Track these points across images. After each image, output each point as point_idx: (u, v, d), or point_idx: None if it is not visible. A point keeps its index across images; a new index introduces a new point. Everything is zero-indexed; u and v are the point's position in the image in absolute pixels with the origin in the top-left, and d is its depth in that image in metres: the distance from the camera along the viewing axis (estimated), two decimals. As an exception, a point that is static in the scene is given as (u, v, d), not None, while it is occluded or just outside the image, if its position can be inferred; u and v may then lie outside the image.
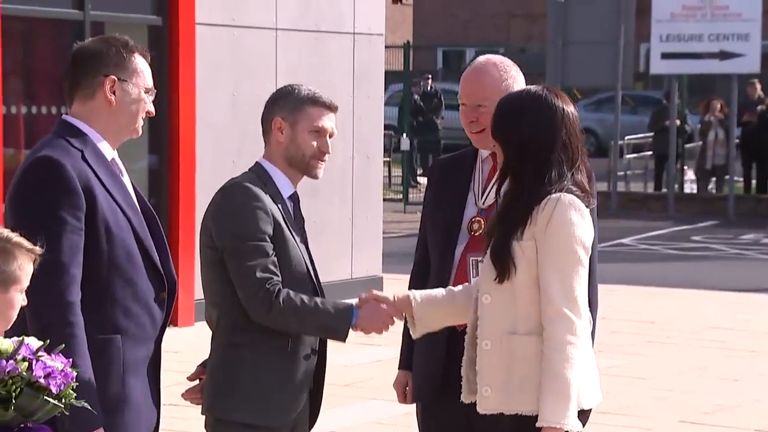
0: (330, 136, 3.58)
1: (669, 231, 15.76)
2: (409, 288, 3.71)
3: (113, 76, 3.16)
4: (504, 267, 3.16)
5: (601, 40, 16.68)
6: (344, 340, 3.49)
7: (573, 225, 3.14)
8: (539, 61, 19.73)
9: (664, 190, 18.26)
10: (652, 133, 19.13)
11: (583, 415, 3.24)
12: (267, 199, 3.47)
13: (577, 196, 3.18)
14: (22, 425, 2.55)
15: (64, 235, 3.02)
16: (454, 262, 3.58)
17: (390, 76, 13.47)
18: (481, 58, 3.69)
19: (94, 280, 3.08)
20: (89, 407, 2.62)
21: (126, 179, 3.24)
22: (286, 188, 3.57)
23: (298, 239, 3.51)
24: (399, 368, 3.83)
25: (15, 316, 2.75)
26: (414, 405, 3.79)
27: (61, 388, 2.53)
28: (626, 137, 19.29)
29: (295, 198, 3.61)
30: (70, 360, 2.59)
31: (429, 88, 20.55)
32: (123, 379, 3.10)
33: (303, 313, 3.41)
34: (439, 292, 3.44)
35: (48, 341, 2.60)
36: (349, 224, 9.98)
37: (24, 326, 2.91)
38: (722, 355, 8.29)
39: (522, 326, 3.17)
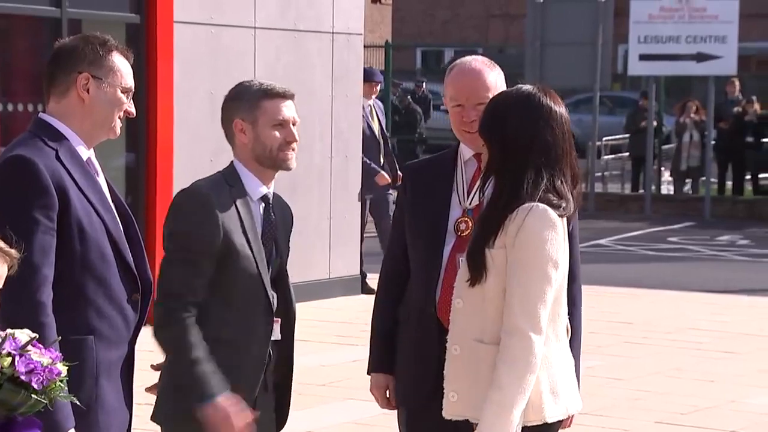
0: (293, 125, 3.53)
1: (646, 232, 15.83)
2: (384, 294, 3.68)
3: (86, 73, 3.13)
4: (477, 270, 3.12)
5: (579, 41, 16.73)
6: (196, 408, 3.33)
7: (542, 240, 3.07)
8: (517, 62, 19.77)
9: (642, 191, 18.35)
10: (629, 135, 19.22)
11: (550, 428, 3.21)
12: (223, 207, 3.42)
13: (553, 204, 3.10)
14: (10, 418, 2.54)
15: (35, 234, 3.00)
16: (442, 262, 3.53)
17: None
18: (468, 59, 3.67)
19: (66, 280, 3.06)
20: (77, 402, 2.60)
21: (102, 179, 3.21)
22: (255, 190, 3.52)
23: (255, 248, 3.45)
24: (373, 371, 3.73)
25: None
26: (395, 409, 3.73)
27: (44, 384, 2.52)
28: (604, 138, 19.37)
29: (267, 199, 3.55)
30: (60, 355, 2.57)
31: (421, 93, 20.56)
32: (96, 381, 3.08)
33: (180, 352, 3.34)
34: None
35: (37, 335, 2.58)
36: (327, 224, 9.97)
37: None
38: (698, 356, 8.32)
39: (489, 335, 3.12)
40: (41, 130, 3.13)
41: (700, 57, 16.77)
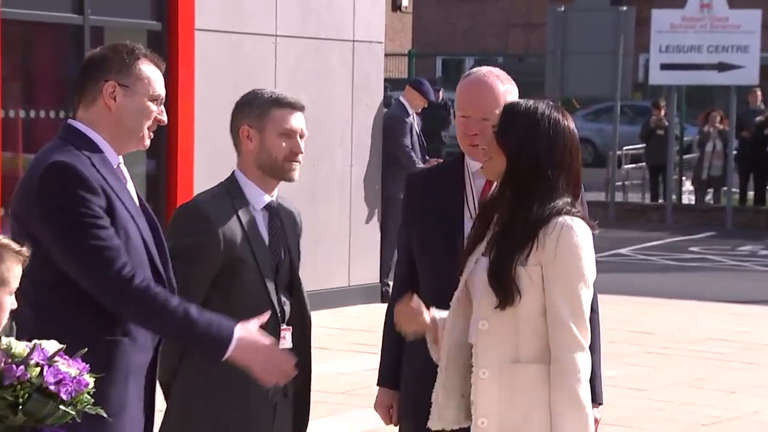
0: (301, 137, 3.50)
1: (667, 242, 15.76)
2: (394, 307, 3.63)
3: (113, 82, 3.12)
4: (507, 293, 3.02)
5: (601, 50, 16.69)
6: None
7: (580, 249, 3.04)
8: (538, 71, 19.73)
9: (662, 200, 18.27)
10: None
11: None
12: (223, 219, 3.40)
13: (582, 217, 3.09)
14: (37, 430, 2.53)
15: (100, 228, 3.00)
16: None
17: (390, 84, 13.46)
18: (483, 70, 3.62)
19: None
20: (104, 414, 2.60)
21: (130, 186, 3.21)
22: (258, 199, 3.51)
23: (260, 258, 3.43)
24: (381, 385, 3.67)
25: (4, 319, 2.73)
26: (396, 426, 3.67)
27: (72, 395, 2.51)
28: (624, 147, 19.30)
29: (270, 208, 3.53)
30: (87, 366, 2.56)
31: (440, 99, 20.52)
32: (126, 383, 3.08)
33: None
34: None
35: (65, 345, 2.58)
36: (347, 232, 9.96)
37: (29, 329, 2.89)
38: (720, 366, 8.27)
39: (525, 354, 3.05)
40: (72, 137, 3.13)
41: (722, 66, 16.70)
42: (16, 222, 3.08)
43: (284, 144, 3.48)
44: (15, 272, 2.72)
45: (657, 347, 8.87)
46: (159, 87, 3.18)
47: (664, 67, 16.93)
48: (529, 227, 3.04)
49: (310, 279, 3.66)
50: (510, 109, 3.19)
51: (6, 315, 2.73)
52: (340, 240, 9.86)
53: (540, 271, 3.03)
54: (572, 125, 3.16)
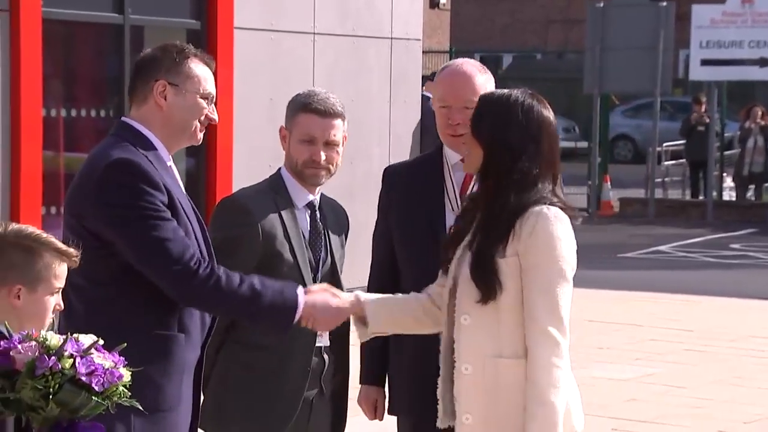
0: (327, 144, 3.46)
1: (707, 238, 15.63)
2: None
3: (163, 81, 3.15)
4: (488, 287, 2.96)
5: (640, 46, 16.59)
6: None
7: (557, 240, 2.96)
8: (576, 67, 19.64)
9: (702, 197, 18.13)
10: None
11: None
12: (263, 214, 3.41)
13: (560, 206, 3.02)
14: (73, 421, 2.56)
15: (165, 221, 3.03)
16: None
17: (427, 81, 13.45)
18: (459, 61, 3.63)
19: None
20: (139, 407, 2.63)
21: (180, 184, 3.24)
22: (301, 197, 3.51)
23: (299, 255, 3.44)
24: (365, 383, 3.65)
25: (49, 319, 2.75)
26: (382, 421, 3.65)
27: (105, 386, 2.54)
28: (664, 144, 19.17)
29: (312, 206, 3.53)
30: (123, 359, 2.59)
31: None
32: (181, 378, 3.11)
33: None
34: (389, 296, 3.27)
35: (99, 339, 2.61)
36: (385, 229, 9.97)
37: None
38: (761, 364, 8.20)
39: (507, 348, 2.98)
40: (126, 134, 3.16)
41: (764, 62, 16.54)
42: (73, 219, 3.10)
43: (305, 150, 3.48)
44: (57, 272, 2.73)
45: (697, 345, 8.80)
46: (209, 85, 3.20)
47: (705, 62, 16.80)
48: (506, 218, 2.98)
49: (348, 277, 3.67)
50: (483, 99, 3.13)
51: (49, 316, 2.76)
52: (379, 237, 9.87)
53: (517, 262, 2.96)
54: (548, 112, 3.08)
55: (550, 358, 2.94)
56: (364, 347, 3.62)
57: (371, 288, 3.62)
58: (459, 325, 3.03)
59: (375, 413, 3.69)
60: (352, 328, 3.34)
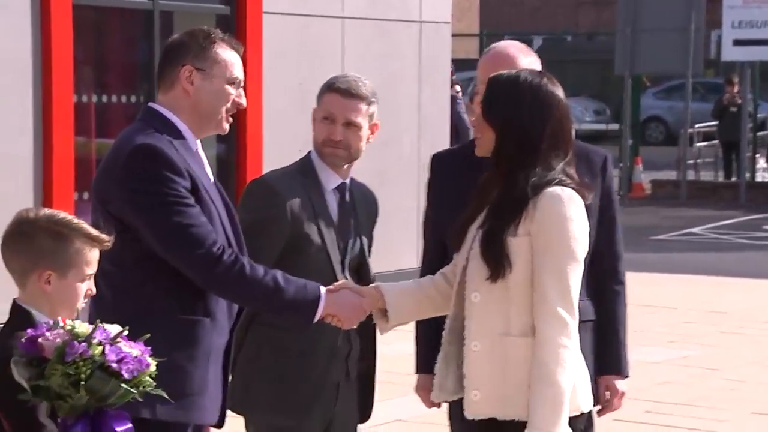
0: (348, 125, 3.44)
1: (740, 220, 15.52)
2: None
3: (190, 65, 3.14)
4: (498, 265, 2.96)
5: (672, 27, 16.45)
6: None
7: (569, 220, 2.96)
8: (607, 48, 19.51)
9: (735, 178, 17.99)
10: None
11: (583, 418, 3.13)
12: (292, 196, 3.40)
13: (573, 189, 3.01)
14: (101, 409, 2.57)
15: (188, 207, 3.03)
16: None
17: (457, 65, 13.41)
18: (502, 44, 3.57)
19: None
20: (165, 395, 2.63)
21: (208, 169, 3.23)
22: (330, 180, 3.51)
23: (327, 238, 3.44)
24: (421, 372, 3.63)
25: (79, 304, 2.76)
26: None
27: (134, 374, 2.54)
28: (696, 125, 19.03)
29: (341, 190, 3.52)
30: (148, 349, 2.59)
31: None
32: (207, 363, 3.11)
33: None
34: (409, 283, 3.27)
35: (128, 327, 2.61)
36: (415, 214, 9.95)
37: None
38: (796, 346, 8.14)
39: (516, 327, 2.99)
40: (153, 120, 3.15)
41: (797, 41, 16.38)
42: (100, 204, 3.11)
43: (324, 128, 3.47)
44: (88, 257, 2.73)
45: (731, 327, 8.75)
46: (236, 70, 3.18)
47: (737, 43, 16.64)
48: (520, 198, 2.98)
49: (379, 260, 3.66)
50: (493, 81, 3.09)
51: (80, 301, 2.76)
52: (408, 222, 9.85)
53: (528, 242, 2.97)
54: (559, 90, 3.06)
55: (558, 338, 2.95)
56: (418, 336, 3.63)
57: (423, 275, 3.59)
58: (470, 303, 3.04)
59: (431, 401, 3.65)
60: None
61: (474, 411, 3.04)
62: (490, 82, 3.10)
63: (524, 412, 2.97)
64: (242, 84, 3.21)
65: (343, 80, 3.49)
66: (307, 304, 3.11)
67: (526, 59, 3.50)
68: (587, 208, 3.06)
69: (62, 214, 2.76)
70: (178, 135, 3.13)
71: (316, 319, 3.14)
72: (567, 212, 2.97)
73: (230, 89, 3.17)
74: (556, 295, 2.95)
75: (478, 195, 3.12)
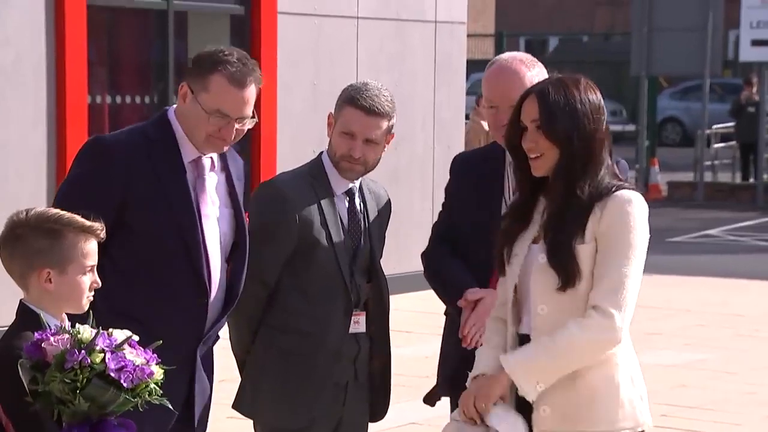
0: (367, 141, 3.43)
1: (758, 222, 15.43)
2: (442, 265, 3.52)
3: (187, 85, 3.25)
4: (569, 273, 2.93)
5: (689, 27, 16.38)
6: None
7: (640, 226, 2.97)
8: (624, 49, 19.45)
9: (753, 180, 17.90)
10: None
11: None
12: (301, 200, 3.40)
13: (637, 192, 3.02)
14: (103, 418, 2.54)
15: (81, 197, 3.08)
16: (491, 265, 3.29)
17: (472, 65, 13.37)
18: (506, 56, 3.52)
19: (125, 260, 3.18)
20: (169, 405, 2.60)
21: (212, 181, 3.28)
22: (340, 183, 3.50)
23: (336, 241, 3.42)
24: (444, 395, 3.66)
25: (86, 298, 2.74)
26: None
27: (134, 383, 2.51)
28: (713, 126, 18.95)
29: (351, 193, 3.51)
30: (156, 357, 2.57)
31: None
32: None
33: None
34: (497, 341, 3.11)
35: (132, 335, 2.58)
36: (429, 215, 9.91)
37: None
38: (814, 349, 8.08)
39: None
40: (155, 120, 3.29)
41: (815, 42, 16.29)
42: None
43: (344, 143, 3.45)
44: (84, 250, 2.72)
45: (748, 330, 8.69)
46: (226, 105, 3.20)
47: (755, 43, 16.56)
48: (585, 204, 2.97)
49: (393, 262, 3.63)
50: (541, 97, 3.02)
51: (85, 295, 2.74)
52: (423, 223, 9.82)
53: (595, 247, 2.96)
54: (599, 93, 3.07)
55: (592, 322, 2.91)
56: (442, 350, 3.62)
57: (427, 266, 3.59)
58: (536, 315, 2.99)
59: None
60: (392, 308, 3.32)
61: (544, 427, 2.98)
62: (538, 99, 3.02)
63: (598, 426, 2.95)
64: (234, 118, 3.21)
65: (366, 96, 3.44)
66: None
67: (531, 72, 3.45)
68: None
69: (52, 211, 2.76)
70: (169, 141, 3.23)
71: None
72: (631, 214, 2.97)
73: (210, 119, 3.19)
74: (607, 288, 2.92)
75: (517, 211, 3.09)
